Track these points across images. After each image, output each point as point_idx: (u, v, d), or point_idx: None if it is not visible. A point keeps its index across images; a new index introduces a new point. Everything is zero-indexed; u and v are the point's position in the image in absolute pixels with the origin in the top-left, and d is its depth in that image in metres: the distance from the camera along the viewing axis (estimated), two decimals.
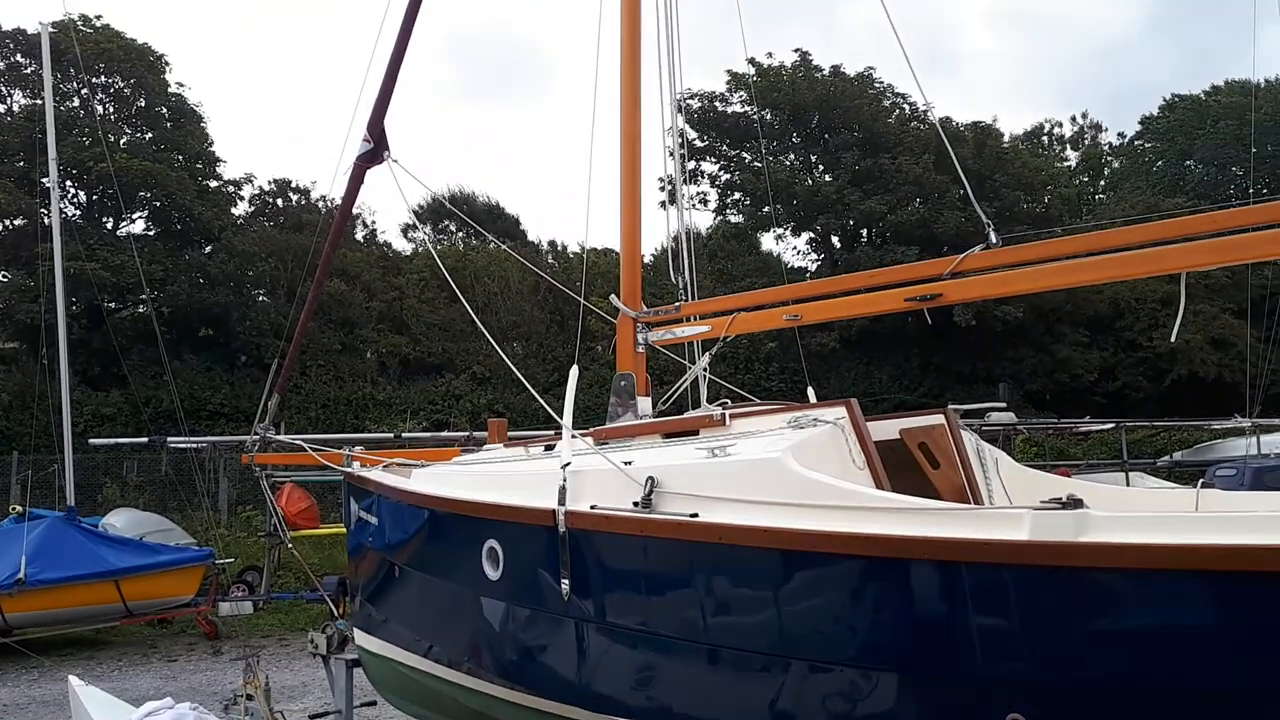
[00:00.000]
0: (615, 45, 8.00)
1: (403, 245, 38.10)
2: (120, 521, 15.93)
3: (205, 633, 15.02)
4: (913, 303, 5.59)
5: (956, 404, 5.99)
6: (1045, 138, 43.52)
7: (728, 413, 5.47)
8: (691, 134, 33.52)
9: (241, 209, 32.52)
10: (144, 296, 25.34)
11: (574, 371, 5.82)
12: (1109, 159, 43.37)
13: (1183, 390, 29.55)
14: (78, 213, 28.28)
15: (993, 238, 5.56)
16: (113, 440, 18.41)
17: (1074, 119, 44.73)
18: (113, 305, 27.94)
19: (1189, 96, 38.73)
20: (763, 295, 7.23)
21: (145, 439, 17.52)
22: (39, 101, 24.92)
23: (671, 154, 9.06)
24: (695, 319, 7.30)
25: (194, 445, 17.75)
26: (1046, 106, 72.41)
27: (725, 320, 6.85)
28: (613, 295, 7.52)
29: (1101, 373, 31.07)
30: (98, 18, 29.43)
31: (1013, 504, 5.10)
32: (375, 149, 8.71)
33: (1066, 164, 43.15)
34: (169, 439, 16.77)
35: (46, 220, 18.51)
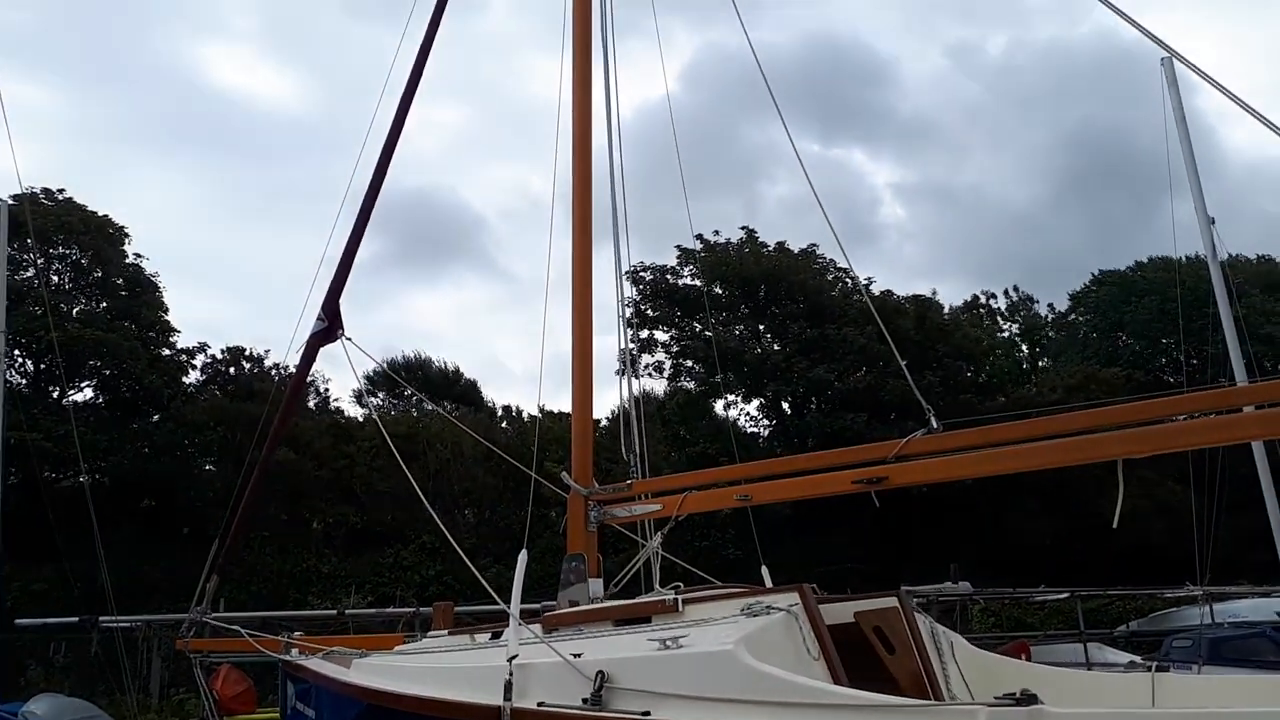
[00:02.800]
0: (566, 223, 8.31)
1: (355, 411, 37.92)
2: (42, 709, 14.99)
3: None
4: (860, 485, 5.67)
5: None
6: (981, 310, 45.18)
7: (680, 598, 5.41)
8: (645, 306, 34.43)
9: (193, 377, 32.33)
10: (83, 469, 24.72)
11: (522, 556, 5.75)
12: (1045, 331, 45.02)
13: (1133, 556, 29.70)
14: (24, 381, 27.91)
15: (934, 423, 5.71)
16: (40, 620, 17.56)
17: (1007, 292, 46.64)
18: (53, 475, 27.21)
19: (1116, 272, 40.76)
20: (714, 474, 7.29)
21: (75, 619, 16.74)
22: None
23: (622, 327, 9.27)
24: (647, 496, 7.31)
25: (126, 625, 16.98)
26: (963, 276, 75.60)
27: (677, 499, 6.86)
28: (564, 472, 7.53)
29: (1053, 539, 31.21)
30: (60, 190, 29.94)
31: (970, 694, 5.04)
32: (330, 327, 8.83)
33: (1003, 334, 44.70)
34: (100, 618, 16.04)
35: None
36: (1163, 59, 16.79)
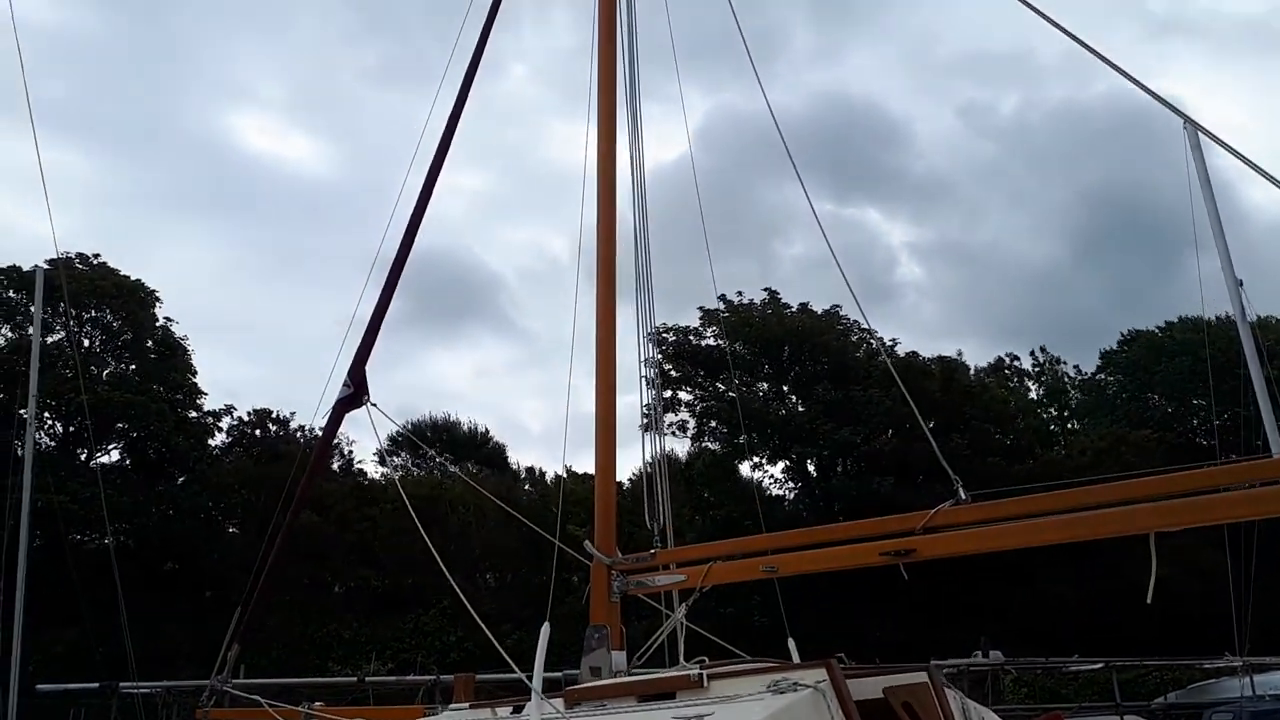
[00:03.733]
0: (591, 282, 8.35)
1: (379, 472, 37.99)
2: None
3: None
4: (887, 557, 5.58)
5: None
6: (1007, 371, 44.86)
7: (705, 673, 5.30)
8: (668, 365, 34.45)
9: (219, 439, 32.59)
10: (109, 531, 24.82)
11: (545, 630, 5.68)
12: (1073, 392, 44.59)
13: (1169, 623, 28.99)
14: (53, 444, 28.21)
15: (961, 494, 5.62)
16: (62, 686, 17.49)
17: (1033, 353, 46.32)
18: (78, 538, 27.34)
19: (1144, 332, 40.42)
20: (738, 544, 7.20)
21: (96, 684, 16.66)
22: (27, 333, 25.39)
23: (646, 388, 9.25)
24: (671, 567, 7.22)
25: (146, 690, 16.88)
26: (984, 335, 75.04)
27: (701, 570, 6.78)
28: (586, 541, 7.46)
29: (1086, 605, 30.55)
30: (95, 255, 30.58)
31: None
32: (356, 393, 8.87)
33: (1030, 396, 44.27)
34: (121, 684, 15.95)
35: (19, 452, 18.40)
36: (1185, 123, 16.84)
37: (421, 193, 8.38)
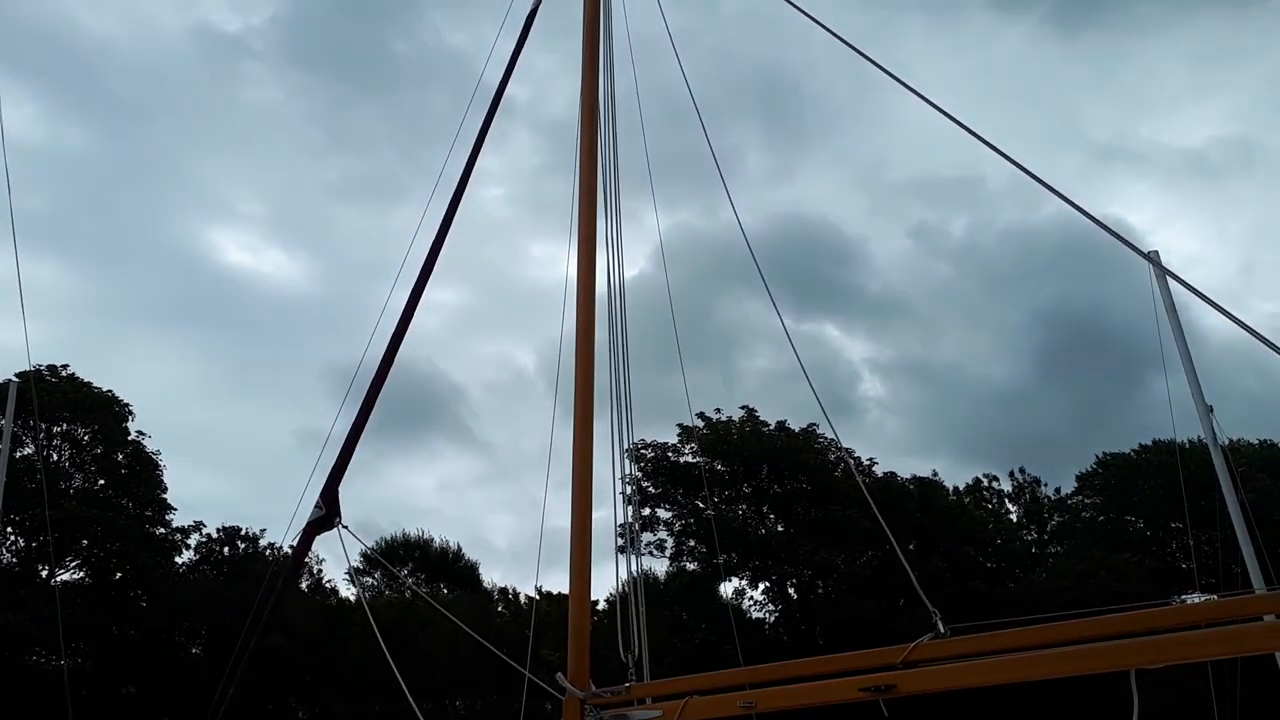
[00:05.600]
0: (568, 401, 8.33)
1: (349, 591, 37.10)
2: None
3: None
4: (866, 693, 5.44)
5: None
6: (985, 491, 44.85)
7: None
8: (646, 482, 34.24)
9: (186, 557, 31.86)
10: (64, 654, 24.02)
11: None
12: (1051, 513, 44.55)
13: None
14: (14, 561, 27.48)
15: (940, 627, 5.55)
16: None
17: (1012, 474, 46.40)
18: (36, 659, 26.39)
19: (1120, 455, 40.68)
20: (717, 678, 7.01)
21: None
22: None
23: (623, 519, 9.14)
24: (648, 701, 7.01)
25: None
26: (950, 453, 75.14)
27: (677, 705, 6.58)
28: (559, 674, 7.25)
29: None
30: (64, 367, 30.38)
31: None
32: (327, 515, 8.72)
33: (1009, 516, 44.20)
34: None
35: None
36: (1149, 252, 17.33)
37: (401, 319, 8.36)
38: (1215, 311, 5.07)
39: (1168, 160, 78.19)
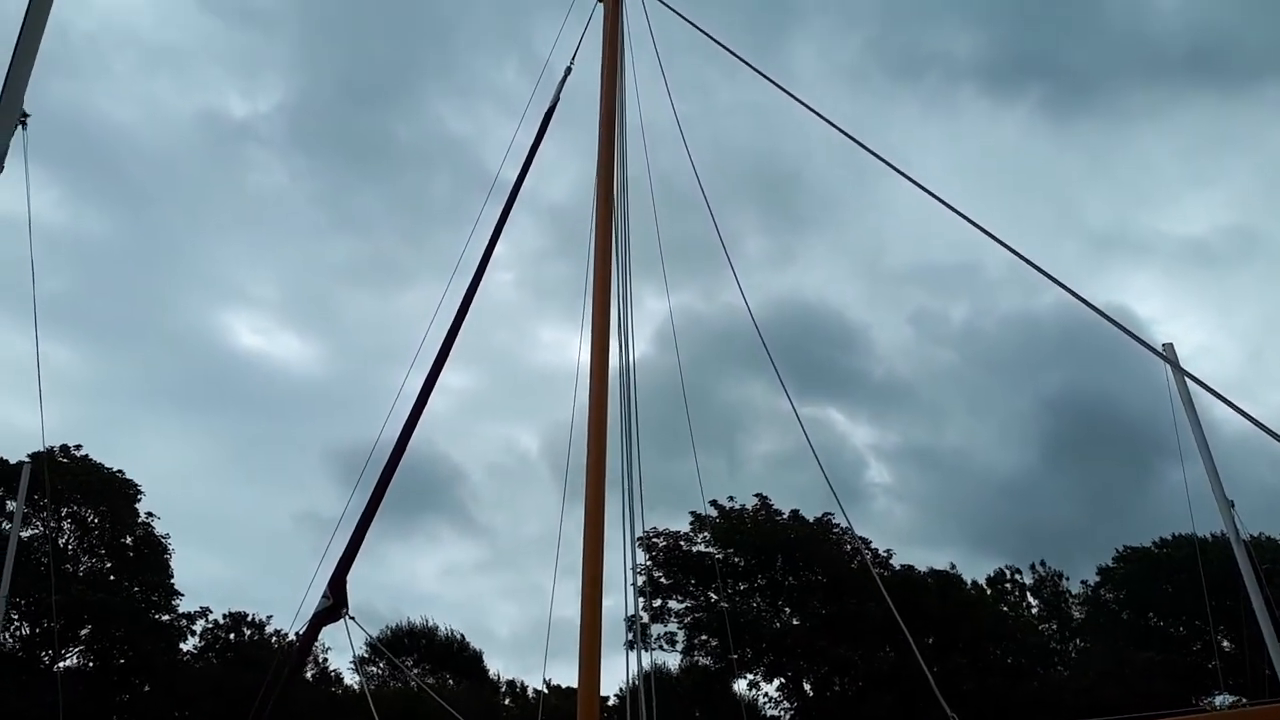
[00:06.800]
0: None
1: (354, 679, 36.38)
2: None
3: None
4: None
5: None
6: (1007, 584, 43.99)
7: None
8: (658, 572, 33.72)
9: (192, 643, 31.42)
10: None
11: None
12: (1071, 607, 43.58)
13: None
14: (18, 645, 27.15)
15: None
16: None
17: (1033, 566, 45.54)
18: None
19: (1140, 549, 39.93)
20: None
21: None
22: (3, 528, 24.94)
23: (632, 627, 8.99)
24: None
25: None
26: (961, 542, 73.50)
27: None
28: None
29: None
30: (77, 448, 30.45)
31: None
32: (334, 606, 8.61)
33: (1030, 610, 43.23)
34: None
35: None
36: (1164, 345, 17.27)
37: (412, 411, 8.34)
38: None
39: (1169, 248, 78.39)
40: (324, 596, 8.91)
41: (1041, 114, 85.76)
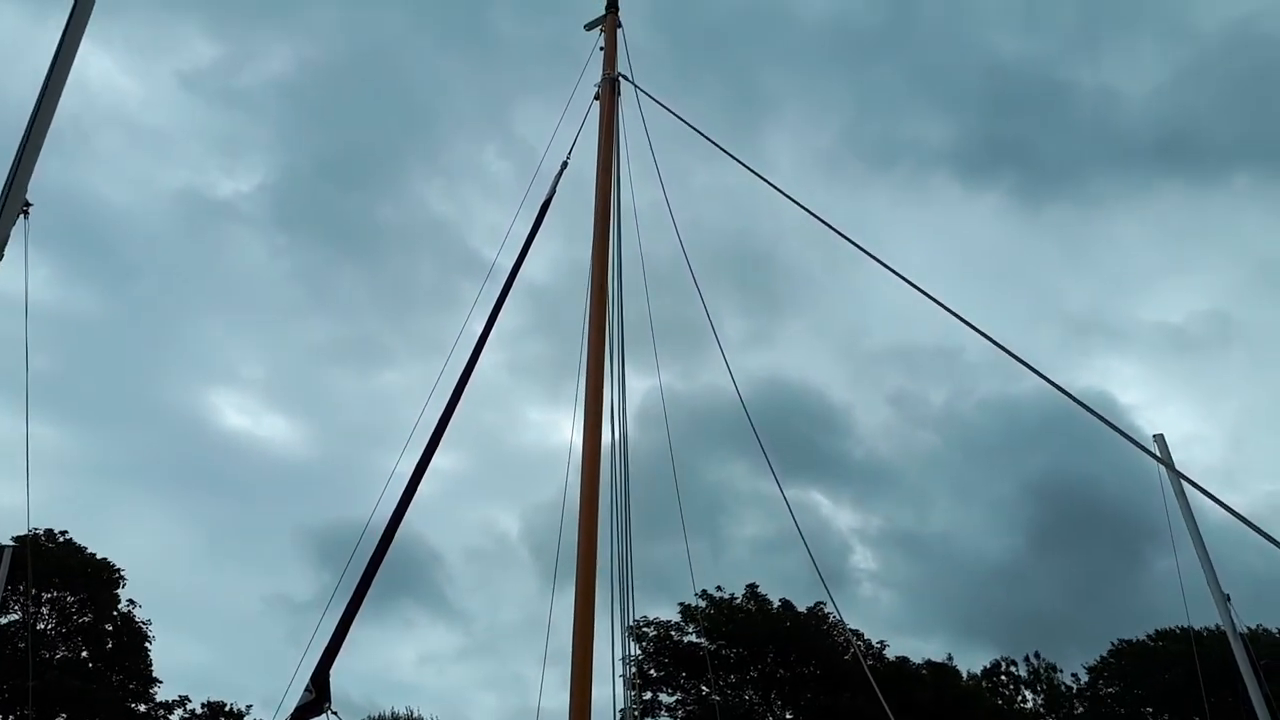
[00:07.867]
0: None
1: None
2: None
3: None
4: None
5: None
6: (1002, 676, 43.23)
7: None
8: (648, 665, 33.05)
9: None
10: None
11: None
12: (1065, 702, 42.78)
13: None
14: None
15: None
16: None
17: (1028, 658, 44.81)
18: None
19: (1135, 643, 39.40)
20: None
21: None
22: None
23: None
24: None
25: None
26: (948, 629, 71.96)
27: None
28: None
29: None
30: (63, 532, 30.02)
31: None
32: (317, 699, 8.43)
33: (1025, 704, 42.41)
34: None
35: None
36: (1155, 435, 17.32)
37: (400, 500, 8.26)
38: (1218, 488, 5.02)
39: (1148, 335, 79.11)
40: (306, 690, 8.73)
41: (1014, 199, 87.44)
